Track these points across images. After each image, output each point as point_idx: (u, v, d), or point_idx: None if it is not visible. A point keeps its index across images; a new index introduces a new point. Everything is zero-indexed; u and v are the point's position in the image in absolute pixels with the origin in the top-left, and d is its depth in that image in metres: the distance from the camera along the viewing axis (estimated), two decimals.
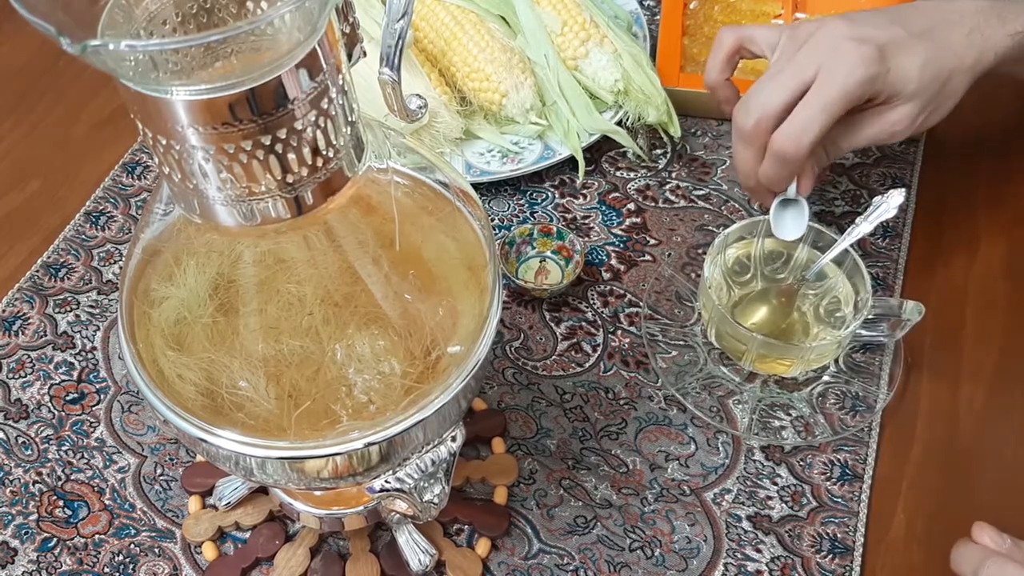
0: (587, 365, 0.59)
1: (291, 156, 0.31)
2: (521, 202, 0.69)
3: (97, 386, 0.59)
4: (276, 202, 0.32)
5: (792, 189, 0.56)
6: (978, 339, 0.59)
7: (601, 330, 0.60)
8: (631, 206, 0.68)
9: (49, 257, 0.66)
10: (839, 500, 0.52)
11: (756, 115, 0.53)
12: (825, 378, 0.57)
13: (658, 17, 0.79)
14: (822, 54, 0.51)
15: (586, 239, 0.66)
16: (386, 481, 0.39)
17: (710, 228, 0.66)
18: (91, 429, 0.57)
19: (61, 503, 0.54)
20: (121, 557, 0.51)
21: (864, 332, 0.55)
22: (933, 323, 0.58)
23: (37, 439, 0.56)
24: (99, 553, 0.51)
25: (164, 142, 0.30)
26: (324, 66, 0.30)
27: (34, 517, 0.53)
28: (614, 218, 0.67)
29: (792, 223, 0.56)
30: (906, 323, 0.53)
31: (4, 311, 0.63)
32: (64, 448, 0.56)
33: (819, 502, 0.52)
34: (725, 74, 0.60)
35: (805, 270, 0.56)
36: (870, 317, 0.53)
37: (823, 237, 0.56)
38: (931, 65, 0.52)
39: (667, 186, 0.69)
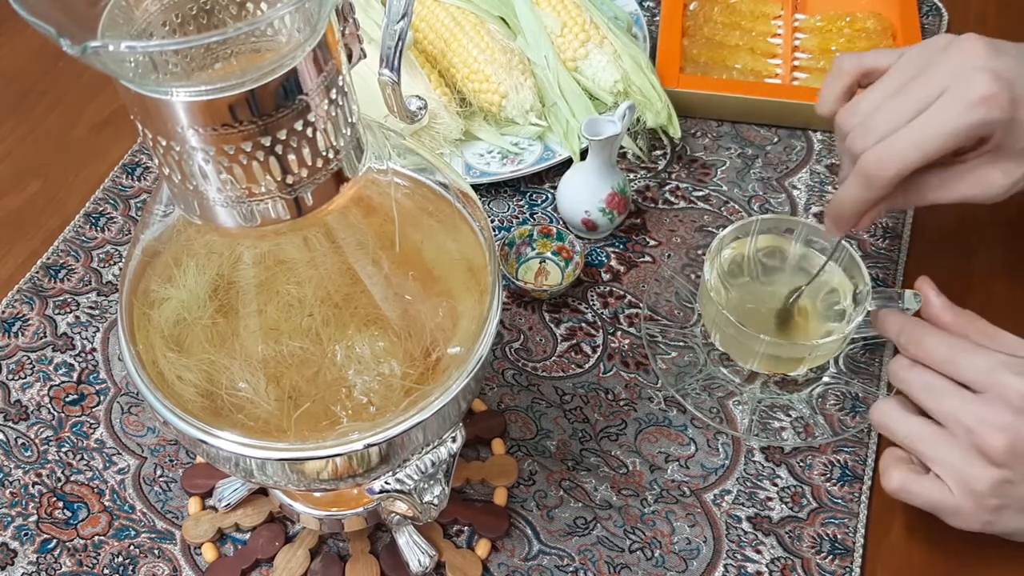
0: (587, 366, 0.59)
1: (291, 157, 0.31)
2: (521, 203, 0.69)
3: (97, 387, 0.59)
4: (276, 203, 0.32)
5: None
6: None
7: (601, 331, 0.60)
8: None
9: (49, 258, 0.66)
10: (839, 501, 0.52)
11: (875, 138, 0.47)
12: (825, 379, 0.57)
13: (658, 18, 0.79)
14: (949, 76, 0.46)
15: (586, 240, 0.66)
16: (386, 482, 0.39)
17: (710, 229, 0.66)
18: (91, 430, 0.57)
19: (61, 504, 0.54)
20: (121, 558, 0.51)
21: (865, 332, 0.55)
22: None
23: (37, 440, 0.56)
24: (99, 554, 0.51)
25: (164, 143, 0.30)
26: (324, 67, 0.30)
27: (34, 518, 0.53)
28: None
29: None
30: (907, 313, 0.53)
31: (4, 312, 0.63)
32: (64, 449, 0.56)
33: (819, 503, 0.52)
34: (841, 104, 0.53)
35: (802, 269, 0.56)
36: (871, 309, 0.53)
37: (817, 233, 0.56)
38: None
39: (667, 187, 0.69)
